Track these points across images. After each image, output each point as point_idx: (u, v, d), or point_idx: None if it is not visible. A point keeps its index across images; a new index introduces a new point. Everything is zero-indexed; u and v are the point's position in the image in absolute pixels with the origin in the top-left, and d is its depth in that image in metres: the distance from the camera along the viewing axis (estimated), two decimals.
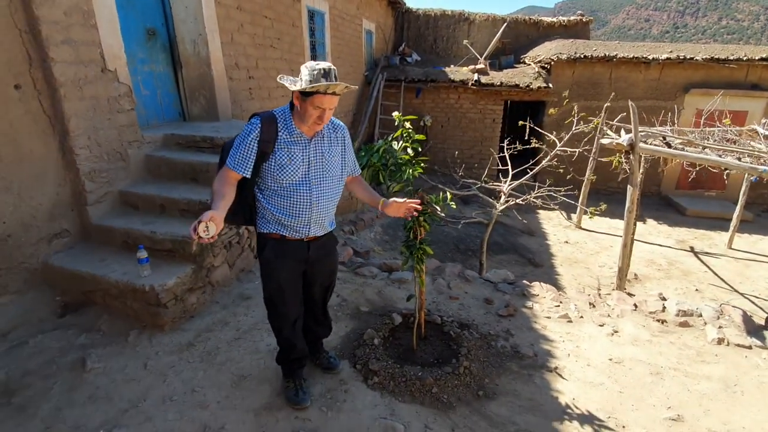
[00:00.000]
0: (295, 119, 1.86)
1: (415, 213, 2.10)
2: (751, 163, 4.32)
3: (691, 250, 7.05)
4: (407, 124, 2.44)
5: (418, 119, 9.94)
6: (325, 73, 1.71)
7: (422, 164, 2.43)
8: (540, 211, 8.27)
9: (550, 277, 5.73)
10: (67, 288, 2.98)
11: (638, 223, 8.06)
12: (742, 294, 5.69)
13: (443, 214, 2.44)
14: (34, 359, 2.48)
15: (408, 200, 2.06)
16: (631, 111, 3.68)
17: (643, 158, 5.07)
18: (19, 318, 2.78)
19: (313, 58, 6.95)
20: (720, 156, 4.43)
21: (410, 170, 2.38)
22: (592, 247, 6.95)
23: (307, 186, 1.89)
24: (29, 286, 2.91)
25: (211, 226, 1.61)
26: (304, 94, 1.75)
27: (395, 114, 2.48)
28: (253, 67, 5.12)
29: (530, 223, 7.97)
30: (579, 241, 7.16)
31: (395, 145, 2.44)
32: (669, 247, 7.16)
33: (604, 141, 4.15)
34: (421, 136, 2.49)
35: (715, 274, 6.21)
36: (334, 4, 7.52)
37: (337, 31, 7.79)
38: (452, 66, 10.57)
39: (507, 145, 5.85)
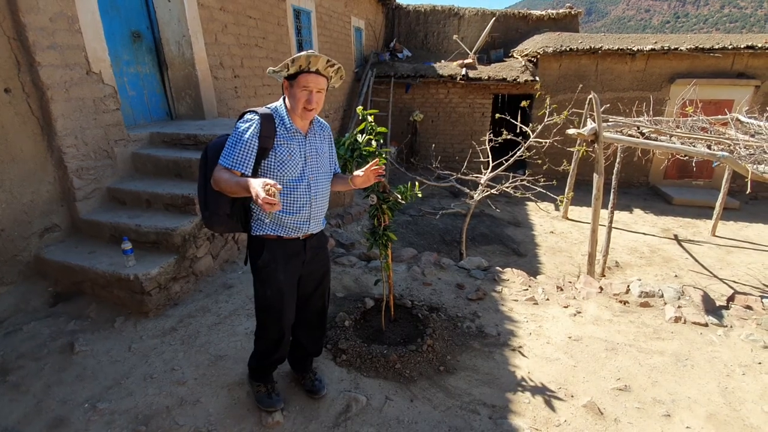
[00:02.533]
0: (290, 114, 1.84)
1: (381, 172, 2.00)
2: (721, 149, 4.45)
3: (675, 238, 7.18)
4: (370, 118, 2.60)
5: (408, 114, 10.09)
6: (307, 55, 1.71)
7: (384, 155, 2.59)
8: (528, 203, 8.40)
9: (533, 266, 5.88)
10: (59, 279, 3.16)
11: (624, 213, 8.21)
12: (721, 279, 5.82)
13: (404, 201, 2.60)
14: (27, 343, 2.67)
15: (366, 167, 1.97)
16: (594, 102, 3.82)
17: (619, 149, 5.21)
18: (14, 307, 2.97)
19: None
20: (691, 144, 4.57)
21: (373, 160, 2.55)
22: (577, 236, 7.09)
23: (305, 182, 1.89)
24: (23, 277, 3.10)
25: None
26: (291, 79, 1.76)
27: (358, 108, 2.64)
28: (239, 66, 5.28)
29: (518, 214, 8.12)
30: (564, 232, 7.30)
31: (359, 138, 2.60)
32: (653, 235, 7.28)
33: (570, 131, 4.30)
34: (383, 129, 2.64)
35: (696, 261, 6.34)
36: (320, 2, 7.65)
37: (324, 29, 7.93)
38: (443, 61, 10.69)
39: (490, 138, 5.99)
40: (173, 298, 3.13)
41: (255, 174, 1.81)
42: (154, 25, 4.31)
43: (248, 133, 1.76)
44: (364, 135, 2.60)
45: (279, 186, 1.52)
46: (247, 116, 1.81)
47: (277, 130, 1.82)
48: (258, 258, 1.94)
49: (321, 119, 2.06)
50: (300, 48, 7.02)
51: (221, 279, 3.52)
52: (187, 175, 3.62)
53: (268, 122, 1.79)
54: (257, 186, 1.51)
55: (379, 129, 2.62)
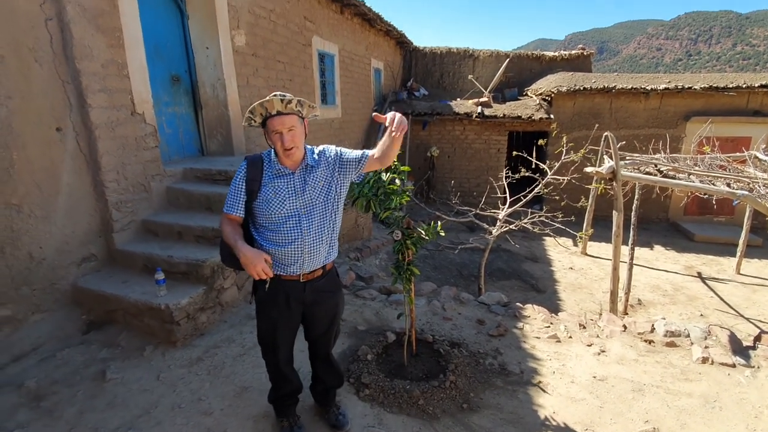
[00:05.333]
0: (278, 155, 1.92)
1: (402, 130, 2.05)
2: (740, 188, 4.46)
3: (698, 275, 7.03)
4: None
5: (425, 150, 10.33)
6: (261, 103, 1.80)
7: (408, 193, 2.71)
8: (546, 238, 8.37)
9: (552, 303, 5.80)
10: (92, 307, 3.29)
11: (645, 249, 8.10)
12: (747, 318, 5.65)
13: (427, 237, 2.68)
14: (60, 370, 2.76)
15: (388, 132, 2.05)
16: (611, 141, 3.91)
17: (637, 186, 5.25)
18: (49, 334, 3.09)
19: (324, 96, 7.45)
20: (710, 182, 4.59)
21: (397, 198, 2.66)
22: (597, 273, 7.00)
23: (296, 217, 1.92)
24: (59, 305, 3.23)
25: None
26: (263, 126, 1.88)
27: None
28: None
29: (536, 250, 8.08)
30: (584, 268, 7.23)
31: (384, 177, 2.72)
32: (676, 272, 7.15)
33: (588, 170, 4.38)
34: (406, 168, 2.77)
35: (722, 300, 6.17)
36: (343, 46, 8.09)
37: (346, 70, 8.33)
38: (458, 99, 11.03)
39: (506, 174, 6.11)
40: (200, 328, 3.22)
41: (248, 214, 1.97)
42: (191, 69, 4.64)
43: (237, 179, 1.95)
44: (388, 174, 2.73)
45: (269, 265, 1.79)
46: (241, 163, 1.99)
47: (264, 171, 1.94)
48: (256, 293, 2.09)
49: (317, 149, 2.05)
50: (323, 88, 7.37)
51: (245, 310, 3.60)
52: (217, 209, 3.79)
53: (253, 166, 1.94)
54: (251, 255, 1.78)
55: (402, 168, 2.75)
